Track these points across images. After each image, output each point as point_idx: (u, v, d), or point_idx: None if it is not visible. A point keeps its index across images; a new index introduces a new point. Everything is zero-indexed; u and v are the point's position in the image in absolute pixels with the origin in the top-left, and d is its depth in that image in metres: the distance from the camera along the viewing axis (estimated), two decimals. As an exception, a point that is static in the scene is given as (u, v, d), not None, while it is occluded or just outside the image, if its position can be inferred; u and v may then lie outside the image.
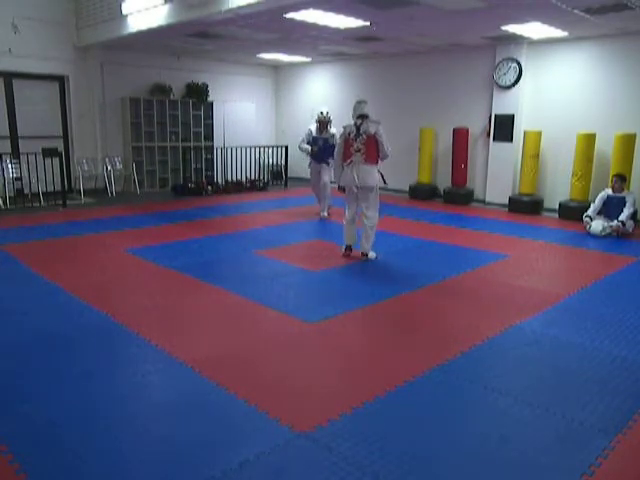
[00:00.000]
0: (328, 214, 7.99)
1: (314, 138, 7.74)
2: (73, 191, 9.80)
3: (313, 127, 7.78)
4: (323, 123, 7.62)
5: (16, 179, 8.75)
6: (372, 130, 5.40)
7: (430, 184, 10.13)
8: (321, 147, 7.68)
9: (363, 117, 5.48)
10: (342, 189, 5.79)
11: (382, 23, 7.38)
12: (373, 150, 5.46)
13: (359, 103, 5.58)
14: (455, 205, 9.44)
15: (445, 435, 2.50)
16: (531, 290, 4.71)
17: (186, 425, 2.53)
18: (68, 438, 2.40)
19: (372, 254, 5.65)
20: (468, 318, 4.01)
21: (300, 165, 11.81)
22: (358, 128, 5.47)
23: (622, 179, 7.12)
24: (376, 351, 3.43)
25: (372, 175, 5.49)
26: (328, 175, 7.69)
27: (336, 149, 5.87)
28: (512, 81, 8.83)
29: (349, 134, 5.54)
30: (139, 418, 2.61)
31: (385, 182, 5.66)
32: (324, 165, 7.73)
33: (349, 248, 5.76)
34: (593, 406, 2.75)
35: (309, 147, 7.79)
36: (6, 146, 9.07)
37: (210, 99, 11.38)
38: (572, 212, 7.95)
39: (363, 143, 5.43)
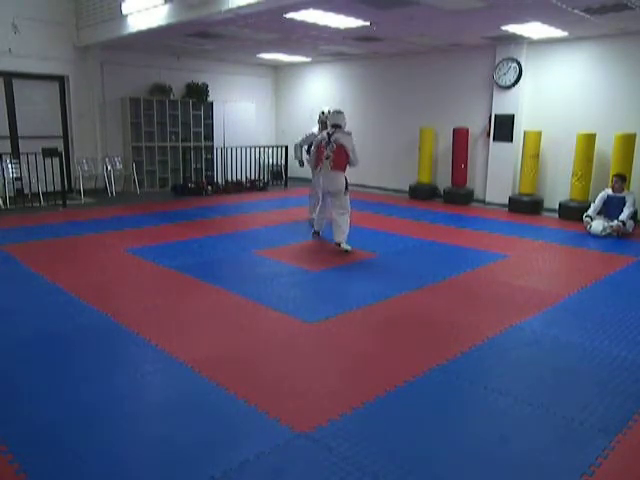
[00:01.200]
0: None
1: None
2: (73, 191, 9.80)
3: (315, 129, 7.30)
4: (325, 124, 6.99)
5: (16, 179, 8.75)
6: (341, 141, 5.79)
7: (430, 184, 10.13)
8: None
9: (336, 127, 5.88)
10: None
11: (382, 23, 7.38)
12: (341, 159, 5.85)
13: (335, 113, 6.05)
14: (455, 205, 9.43)
15: (445, 435, 2.50)
16: (531, 290, 4.71)
17: (186, 425, 2.53)
18: (68, 438, 2.40)
19: (346, 246, 5.86)
20: (468, 318, 4.00)
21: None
22: (330, 136, 5.85)
23: (622, 179, 7.12)
24: (376, 351, 3.43)
25: (337, 181, 5.89)
26: None
27: (310, 154, 6.39)
28: (512, 81, 8.82)
29: (321, 141, 5.97)
30: (139, 418, 2.61)
31: (347, 188, 5.95)
32: None
33: (317, 233, 6.53)
34: (593, 406, 2.75)
35: (301, 156, 7.41)
36: (6, 146, 9.07)
37: (210, 99, 11.37)
38: (572, 212, 7.94)
39: (332, 151, 5.84)
